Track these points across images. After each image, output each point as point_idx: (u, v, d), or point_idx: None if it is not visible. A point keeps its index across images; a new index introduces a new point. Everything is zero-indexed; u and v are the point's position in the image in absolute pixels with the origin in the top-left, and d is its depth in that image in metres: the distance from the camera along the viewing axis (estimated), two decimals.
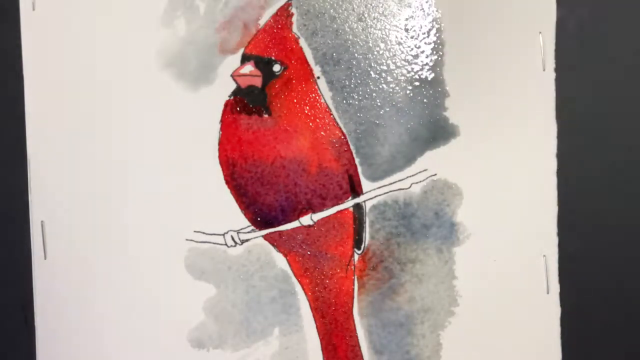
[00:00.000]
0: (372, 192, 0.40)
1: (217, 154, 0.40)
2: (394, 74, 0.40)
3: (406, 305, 0.41)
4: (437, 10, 0.40)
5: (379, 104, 0.40)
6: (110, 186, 0.41)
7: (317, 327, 0.41)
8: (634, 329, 0.41)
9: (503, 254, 0.40)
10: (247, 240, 0.41)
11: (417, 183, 0.40)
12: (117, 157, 0.41)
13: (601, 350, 0.41)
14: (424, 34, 0.40)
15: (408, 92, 0.40)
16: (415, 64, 0.40)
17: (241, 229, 0.40)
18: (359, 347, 0.41)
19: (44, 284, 0.41)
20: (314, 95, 0.40)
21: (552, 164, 0.40)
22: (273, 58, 0.39)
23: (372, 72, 0.40)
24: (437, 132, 0.40)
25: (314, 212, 0.40)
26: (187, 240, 0.41)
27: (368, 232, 0.40)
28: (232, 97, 0.40)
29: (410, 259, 0.40)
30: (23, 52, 0.41)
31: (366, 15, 0.40)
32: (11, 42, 0.41)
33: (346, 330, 0.41)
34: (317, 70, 0.40)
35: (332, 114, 0.40)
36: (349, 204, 0.40)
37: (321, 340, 0.41)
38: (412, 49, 0.40)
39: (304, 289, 0.41)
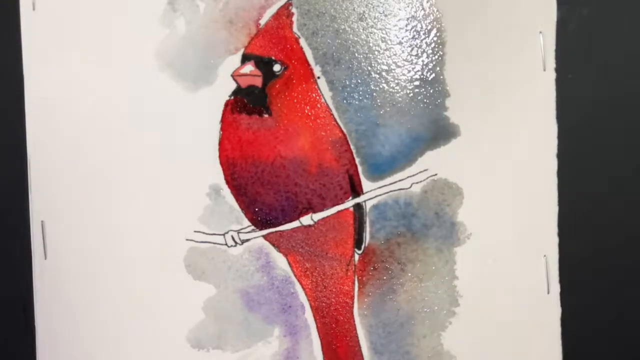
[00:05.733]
0: (373, 192, 0.40)
1: (217, 154, 0.40)
2: (395, 74, 0.40)
3: (406, 306, 0.41)
4: (437, 10, 0.40)
5: (379, 103, 0.40)
6: (110, 186, 0.41)
7: (317, 327, 0.41)
8: (634, 329, 0.41)
9: (503, 254, 0.40)
10: (247, 240, 0.41)
11: (417, 183, 0.40)
12: (117, 157, 0.40)
13: (601, 350, 0.41)
14: (424, 33, 0.40)
15: (408, 91, 0.40)
16: (416, 63, 0.40)
17: (241, 229, 0.40)
18: (359, 347, 0.41)
19: (44, 283, 0.41)
20: (314, 95, 0.40)
21: (553, 164, 0.40)
22: (273, 58, 0.39)
23: (372, 72, 0.40)
24: (437, 132, 0.40)
25: (314, 212, 0.40)
26: (187, 240, 0.41)
27: (368, 232, 0.40)
28: (232, 97, 0.40)
29: (410, 259, 0.40)
30: (23, 52, 0.41)
31: (367, 15, 0.40)
32: (11, 42, 0.41)
33: (346, 331, 0.41)
34: (317, 70, 0.40)
35: (332, 114, 0.40)
36: (350, 203, 0.40)
37: (321, 340, 0.41)
38: (412, 49, 0.40)
39: (304, 289, 0.41)
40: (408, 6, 0.40)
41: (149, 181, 0.40)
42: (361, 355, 0.41)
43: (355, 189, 0.40)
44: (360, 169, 0.40)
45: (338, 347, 0.41)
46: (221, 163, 0.40)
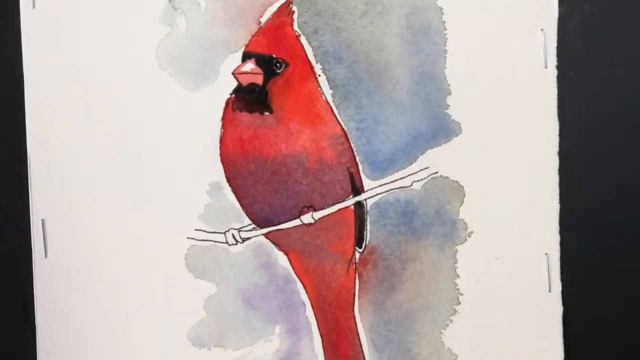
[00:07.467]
0: (374, 190, 0.40)
1: (218, 151, 0.40)
2: (396, 72, 0.40)
3: (407, 304, 0.40)
4: (439, 8, 0.39)
5: (380, 101, 0.40)
6: (110, 184, 0.41)
7: (318, 325, 0.41)
8: (636, 327, 0.41)
9: (505, 252, 0.40)
10: (248, 239, 0.41)
11: (418, 181, 0.40)
12: (118, 155, 0.40)
13: (603, 348, 0.41)
14: (425, 31, 0.39)
15: (409, 89, 0.40)
16: (417, 61, 0.40)
17: (242, 227, 0.40)
18: (360, 345, 0.41)
19: (45, 282, 0.41)
20: (315, 93, 0.40)
21: (554, 162, 0.40)
22: (274, 56, 0.39)
23: (373, 70, 0.40)
24: (438, 129, 0.39)
25: (315, 210, 0.40)
26: (188, 238, 0.40)
27: (369, 231, 0.40)
28: (233, 95, 0.40)
29: (411, 257, 0.40)
30: (23, 50, 0.41)
31: (368, 12, 0.40)
32: (11, 39, 0.41)
33: (347, 329, 0.41)
34: (318, 68, 0.40)
35: (333, 112, 0.40)
36: (350, 202, 0.40)
37: (322, 338, 0.41)
38: (413, 46, 0.40)
39: (305, 287, 0.41)
40: (409, 3, 0.40)
41: (149, 179, 0.40)
42: (362, 353, 0.41)
43: (356, 187, 0.40)
44: (361, 167, 0.40)
45: (339, 345, 0.41)
46: (222, 161, 0.40)
